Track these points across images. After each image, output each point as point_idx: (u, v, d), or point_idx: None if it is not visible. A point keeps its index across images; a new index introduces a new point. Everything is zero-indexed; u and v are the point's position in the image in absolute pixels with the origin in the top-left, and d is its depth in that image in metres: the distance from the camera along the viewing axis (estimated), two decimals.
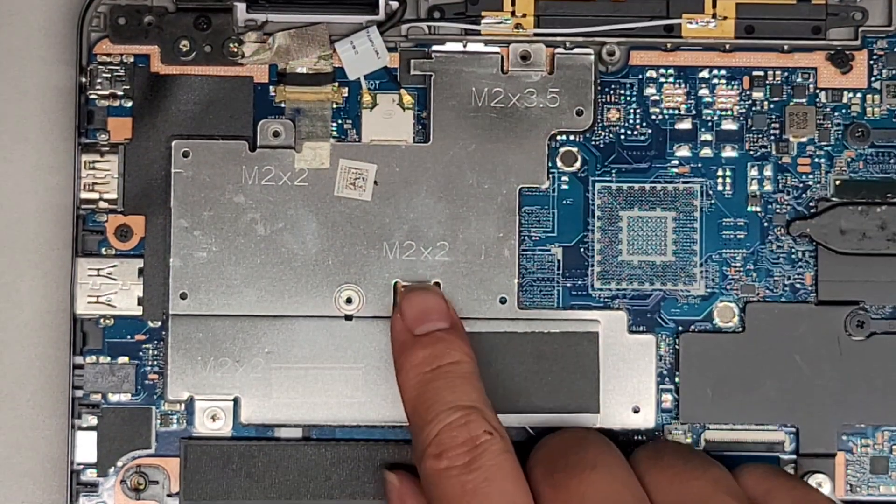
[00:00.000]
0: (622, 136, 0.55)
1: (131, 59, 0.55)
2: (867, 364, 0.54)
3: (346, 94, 0.55)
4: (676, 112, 0.55)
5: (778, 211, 0.55)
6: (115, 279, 0.54)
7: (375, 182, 0.54)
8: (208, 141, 0.54)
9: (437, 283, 0.54)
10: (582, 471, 0.49)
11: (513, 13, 0.55)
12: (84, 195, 0.54)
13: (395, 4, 0.54)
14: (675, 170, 0.55)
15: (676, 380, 0.54)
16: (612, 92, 0.55)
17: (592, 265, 0.55)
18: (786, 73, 0.55)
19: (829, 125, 0.55)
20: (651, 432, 0.54)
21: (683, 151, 0.55)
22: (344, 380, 0.54)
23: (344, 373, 0.54)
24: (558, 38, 0.55)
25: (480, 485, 0.48)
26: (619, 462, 0.50)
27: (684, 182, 0.55)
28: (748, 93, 0.55)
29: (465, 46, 0.55)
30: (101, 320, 0.54)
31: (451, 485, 0.48)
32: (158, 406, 0.54)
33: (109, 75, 0.54)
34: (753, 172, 0.55)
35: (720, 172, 0.55)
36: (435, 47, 0.55)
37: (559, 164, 0.55)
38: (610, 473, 0.49)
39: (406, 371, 0.51)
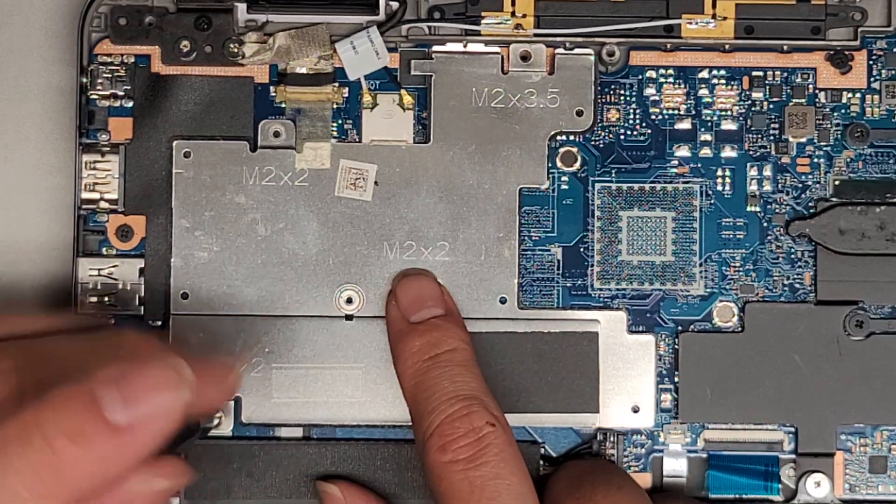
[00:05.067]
0: (622, 137, 0.55)
1: (132, 60, 0.55)
2: (866, 364, 0.54)
3: (346, 95, 0.55)
4: (676, 112, 0.55)
5: (777, 211, 0.55)
6: (115, 279, 0.54)
7: (376, 182, 0.54)
8: (209, 141, 0.54)
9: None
10: (607, 489, 0.50)
11: (513, 13, 0.55)
12: (85, 195, 0.54)
13: (395, 5, 0.54)
14: (675, 170, 0.55)
15: (676, 379, 0.54)
16: (611, 92, 0.55)
17: (592, 265, 0.55)
18: (785, 74, 0.55)
19: (829, 125, 0.55)
20: (650, 432, 0.55)
21: (683, 151, 0.55)
22: (344, 379, 0.54)
23: (344, 372, 0.54)
24: (558, 39, 0.55)
25: (489, 482, 0.48)
26: (642, 490, 0.51)
27: (684, 182, 0.55)
28: (747, 93, 0.55)
29: (465, 47, 0.55)
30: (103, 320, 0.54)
31: (457, 479, 0.48)
32: None
33: (110, 75, 0.55)
34: (753, 172, 0.55)
35: (719, 172, 0.55)
36: (435, 47, 0.55)
37: (559, 164, 0.55)
38: (636, 494, 0.50)
39: (404, 360, 0.51)
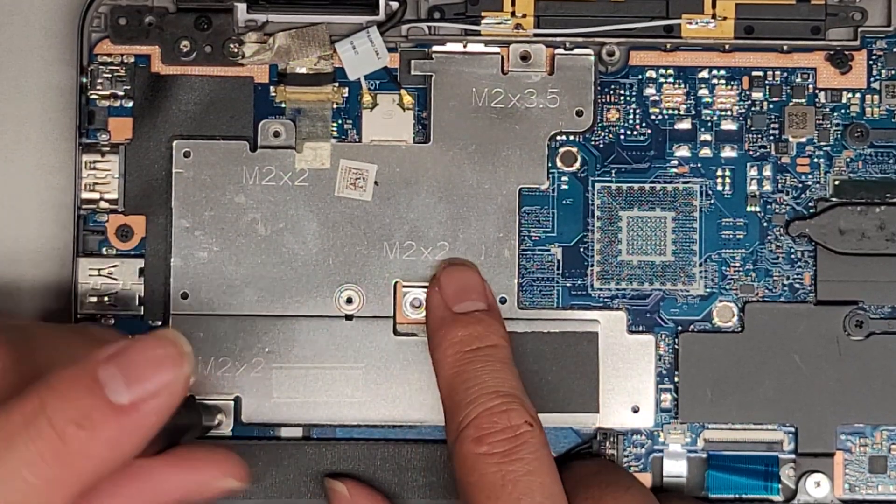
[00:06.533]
0: (622, 137, 0.55)
1: (132, 60, 0.55)
2: (866, 364, 0.54)
3: (346, 95, 0.55)
4: (676, 112, 0.55)
5: (777, 211, 0.55)
6: (115, 279, 0.54)
7: (376, 182, 0.54)
8: (209, 141, 0.54)
9: None
10: (616, 490, 0.50)
11: (513, 13, 0.55)
12: (85, 195, 0.54)
13: (395, 5, 0.54)
14: (675, 170, 0.55)
15: (676, 379, 0.54)
16: (611, 92, 0.55)
17: (592, 265, 0.55)
18: (785, 74, 0.55)
19: (829, 125, 0.55)
20: (650, 432, 0.55)
21: (683, 151, 0.55)
22: (344, 379, 0.54)
23: (344, 372, 0.54)
24: (558, 39, 0.55)
25: (522, 477, 0.48)
26: (649, 491, 0.52)
27: (684, 182, 0.55)
28: (747, 93, 0.55)
29: (465, 47, 0.55)
30: (102, 320, 0.54)
31: (490, 472, 0.48)
32: None
33: (110, 75, 0.55)
34: (753, 172, 0.55)
35: (719, 172, 0.55)
36: (435, 48, 0.55)
37: (559, 164, 0.55)
38: (643, 495, 0.50)
39: (444, 348, 0.51)
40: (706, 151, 0.55)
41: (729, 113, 0.55)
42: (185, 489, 0.46)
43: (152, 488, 0.46)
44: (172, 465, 0.47)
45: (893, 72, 0.55)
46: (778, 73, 0.55)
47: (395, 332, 0.54)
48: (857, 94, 0.55)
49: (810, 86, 0.55)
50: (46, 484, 0.41)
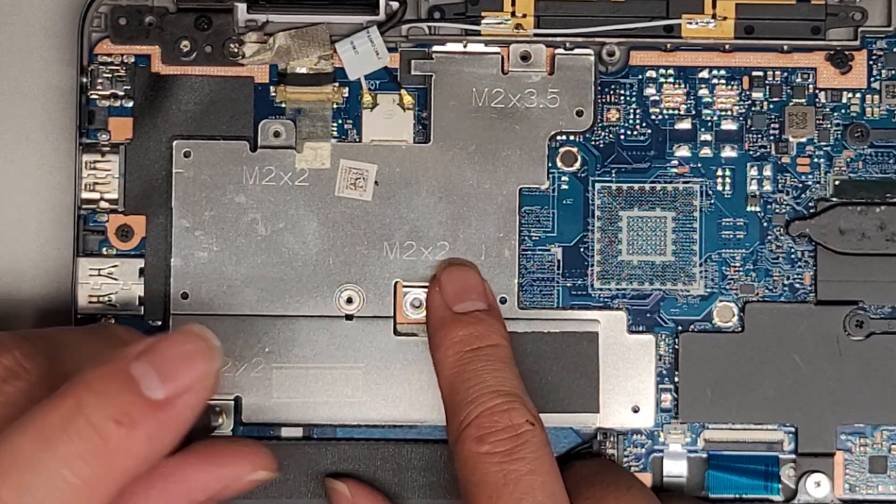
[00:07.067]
0: (622, 137, 0.55)
1: (132, 60, 0.55)
2: (866, 364, 0.54)
3: (346, 95, 0.55)
4: (676, 112, 0.55)
5: (777, 211, 0.55)
6: (116, 279, 0.54)
7: (376, 182, 0.54)
8: (209, 141, 0.54)
9: None
10: (617, 489, 0.50)
11: (513, 13, 0.55)
12: (85, 195, 0.54)
13: (395, 5, 0.54)
14: (675, 170, 0.55)
15: (676, 379, 0.54)
16: (611, 92, 0.55)
17: (592, 265, 0.55)
18: (785, 74, 0.55)
19: (829, 125, 0.55)
20: (650, 432, 0.55)
21: (683, 151, 0.55)
22: (344, 379, 0.54)
23: (344, 372, 0.54)
24: (558, 39, 0.55)
25: (524, 476, 0.48)
26: (650, 490, 0.52)
27: (684, 182, 0.55)
28: (748, 93, 0.55)
29: (465, 47, 0.55)
30: (102, 320, 0.54)
31: (491, 471, 0.48)
32: None
33: (110, 75, 0.55)
34: (753, 172, 0.55)
35: (720, 172, 0.55)
36: (435, 48, 0.55)
37: (559, 164, 0.55)
38: (644, 495, 0.50)
39: (445, 348, 0.51)
40: (706, 151, 0.55)
41: (729, 113, 0.55)
42: (216, 485, 0.47)
43: (185, 487, 0.46)
44: (202, 461, 0.47)
45: (893, 72, 0.55)
46: (778, 73, 0.55)
47: (396, 332, 0.54)
48: (858, 94, 0.55)
49: (810, 86, 0.55)
50: (87, 483, 0.41)
